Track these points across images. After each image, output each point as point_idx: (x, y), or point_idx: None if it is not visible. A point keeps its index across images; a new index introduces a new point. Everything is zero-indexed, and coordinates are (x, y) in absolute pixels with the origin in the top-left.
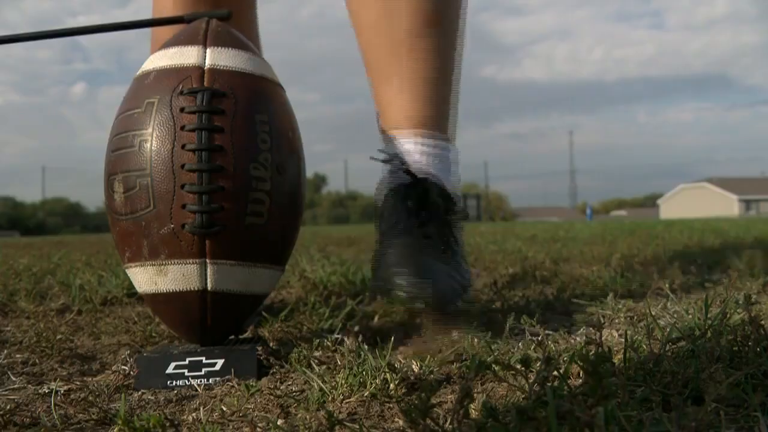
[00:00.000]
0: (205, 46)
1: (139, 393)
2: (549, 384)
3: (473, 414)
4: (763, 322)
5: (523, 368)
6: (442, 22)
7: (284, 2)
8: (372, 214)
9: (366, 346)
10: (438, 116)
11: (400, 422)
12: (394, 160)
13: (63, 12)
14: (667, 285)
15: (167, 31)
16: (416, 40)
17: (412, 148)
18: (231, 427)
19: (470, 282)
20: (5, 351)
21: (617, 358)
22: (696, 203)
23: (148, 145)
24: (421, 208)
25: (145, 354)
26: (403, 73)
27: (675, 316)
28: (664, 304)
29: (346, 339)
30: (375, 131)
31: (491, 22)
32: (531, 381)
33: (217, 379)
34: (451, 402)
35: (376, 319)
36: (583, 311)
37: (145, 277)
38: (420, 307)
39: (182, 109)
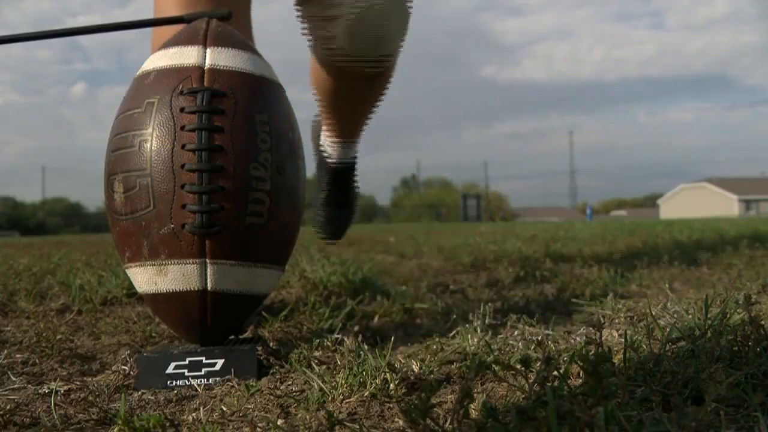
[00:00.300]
0: (205, 46)
1: (139, 393)
2: (549, 384)
3: (473, 414)
4: (763, 322)
5: (523, 368)
6: (381, 90)
7: (284, 2)
8: (371, 214)
9: (366, 346)
10: (360, 133)
11: (400, 422)
12: (332, 154)
13: (63, 12)
14: (667, 285)
15: (168, 32)
16: (364, 105)
17: (340, 149)
18: (231, 427)
19: (355, 210)
20: (5, 351)
21: (617, 358)
22: (696, 203)
23: (148, 145)
24: (333, 178)
25: (145, 354)
26: (347, 116)
27: (675, 316)
28: (664, 304)
29: (346, 339)
30: (374, 132)
31: (491, 22)
32: (531, 381)
33: (217, 379)
34: (451, 402)
35: (376, 319)
36: (583, 311)
37: (145, 277)
38: (324, 239)
39: (182, 109)
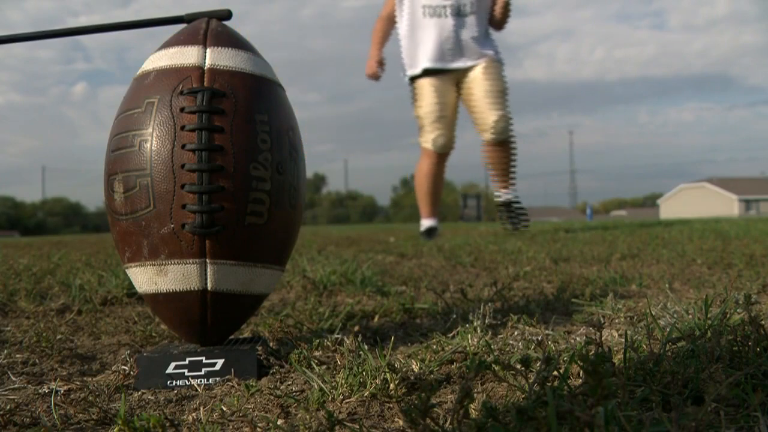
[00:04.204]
0: (205, 46)
1: (139, 393)
2: (549, 384)
3: (473, 414)
4: (763, 322)
5: (523, 368)
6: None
7: (284, 2)
8: (372, 214)
9: (366, 346)
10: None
11: (400, 422)
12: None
13: (64, 12)
14: (667, 285)
15: None
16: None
17: (504, 193)
18: (231, 427)
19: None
20: (5, 351)
21: (617, 358)
22: (696, 203)
23: (148, 145)
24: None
25: (145, 354)
26: (509, 176)
27: (675, 316)
28: (664, 304)
29: (346, 339)
30: (374, 132)
31: None
32: (531, 381)
33: (217, 379)
34: (451, 402)
35: (376, 319)
36: (583, 311)
37: (145, 277)
38: (513, 230)
39: (182, 109)
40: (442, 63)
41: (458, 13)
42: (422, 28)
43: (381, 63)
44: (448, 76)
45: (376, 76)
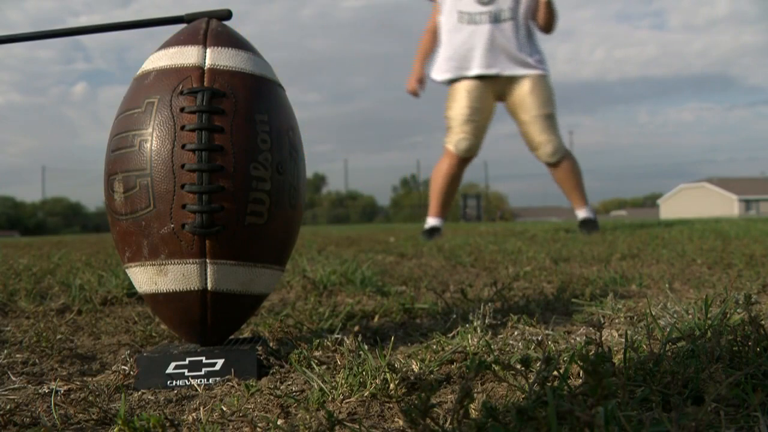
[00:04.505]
0: (205, 46)
1: (139, 393)
2: (549, 384)
3: (473, 414)
4: (763, 322)
5: (523, 368)
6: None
7: (284, 2)
8: (371, 214)
9: (366, 346)
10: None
11: (400, 422)
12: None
13: (64, 12)
14: (667, 285)
15: None
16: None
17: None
18: (231, 427)
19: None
20: (5, 351)
21: (617, 358)
22: (696, 203)
23: (148, 145)
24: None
25: (145, 354)
26: (578, 196)
27: (675, 316)
28: (664, 304)
29: (346, 339)
30: (374, 132)
31: None
32: (531, 381)
33: (217, 379)
34: (451, 402)
35: (376, 319)
36: (583, 311)
37: (145, 277)
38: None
39: (182, 109)
40: (478, 69)
41: (495, 20)
42: (459, 34)
43: (421, 80)
44: (486, 83)
45: (415, 94)
